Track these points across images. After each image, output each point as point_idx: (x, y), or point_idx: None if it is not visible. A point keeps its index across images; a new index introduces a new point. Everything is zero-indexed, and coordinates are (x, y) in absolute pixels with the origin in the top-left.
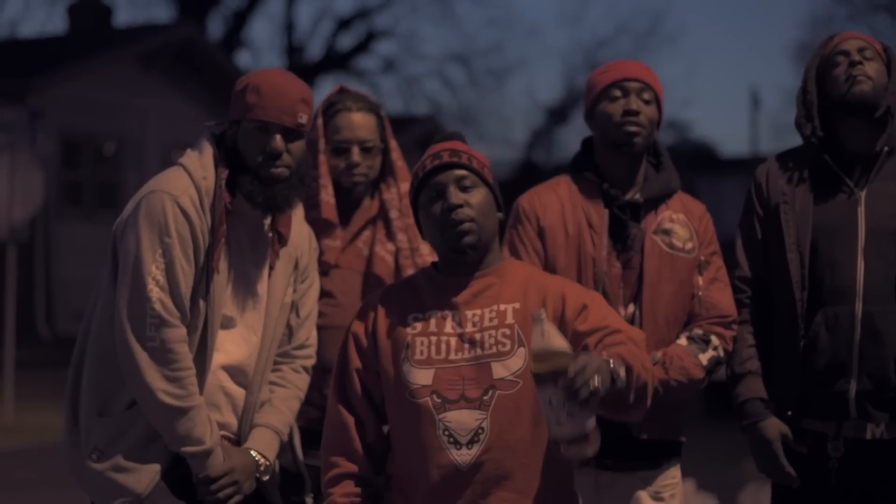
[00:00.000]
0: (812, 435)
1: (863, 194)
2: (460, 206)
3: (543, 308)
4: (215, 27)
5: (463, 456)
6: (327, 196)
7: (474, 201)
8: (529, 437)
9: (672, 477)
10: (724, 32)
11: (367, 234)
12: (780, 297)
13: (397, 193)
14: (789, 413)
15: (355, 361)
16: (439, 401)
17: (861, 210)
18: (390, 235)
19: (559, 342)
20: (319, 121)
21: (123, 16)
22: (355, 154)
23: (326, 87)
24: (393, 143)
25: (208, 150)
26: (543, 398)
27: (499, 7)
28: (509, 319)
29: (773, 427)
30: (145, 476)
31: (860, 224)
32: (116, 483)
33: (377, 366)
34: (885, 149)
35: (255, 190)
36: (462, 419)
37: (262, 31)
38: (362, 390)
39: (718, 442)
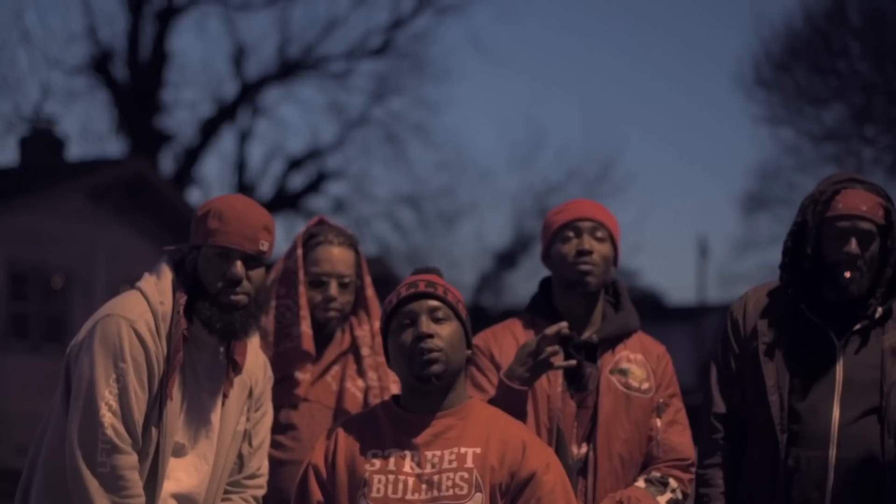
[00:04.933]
0: None
1: (842, 342)
2: (430, 335)
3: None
4: (167, 163)
5: None
6: (307, 328)
7: (445, 333)
8: None
9: None
10: (673, 181)
11: (336, 368)
12: (757, 438)
13: (370, 330)
14: None
15: (316, 494)
16: None
17: (840, 357)
18: (361, 372)
19: None
20: (299, 251)
21: (75, 149)
22: (333, 288)
23: (277, 226)
24: (367, 280)
25: (167, 275)
26: None
27: (450, 151)
28: (469, 463)
29: None
30: None
31: (838, 371)
32: None
33: (335, 499)
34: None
35: (214, 316)
36: None
37: (214, 168)
38: None
39: None
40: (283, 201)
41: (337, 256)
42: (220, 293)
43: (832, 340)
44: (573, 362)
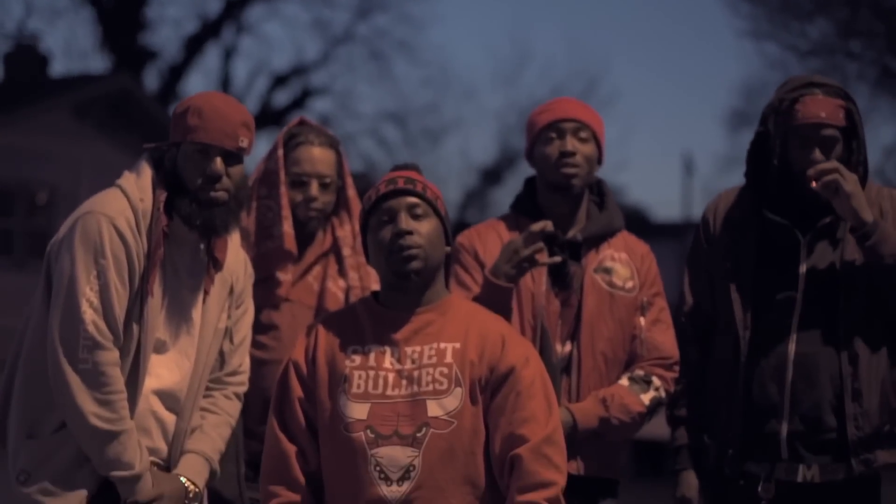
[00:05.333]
0: (746, 476)
1: (807, 238)
2: (409, 232)
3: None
4: (151, 80)
5: (393, 492)
6: (289, 228)
7: (424, 230)
8: (461, 477)
9: None
10: (658, 98)
11: (318, 268)
12: (723, 335)
13: (351, 231)
14: (730, 452)
15: (297, 390)
16: (372, 436)
17: (804, 253)
18: (342, 272)
19: None
20: (280, 151)
21: (59, 66)
22: (314, 188)
23: (261, 143)
24: (349, 180)
25: (146, 172)
26: None
27: (435, 68)
28: (448, 358)
29: (687, 484)
30: (72, 501)
31: (801, 268)
32: None
33: (316, 395)
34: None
35: (194, 213)
36: (394, 455)
37: (198, 85)
38: (305, 420)
39: (647, 502)
40: (267, 118)
41: (318, 156)
42: (200, 190)
43: (797, 238)
44: (558, 259)
